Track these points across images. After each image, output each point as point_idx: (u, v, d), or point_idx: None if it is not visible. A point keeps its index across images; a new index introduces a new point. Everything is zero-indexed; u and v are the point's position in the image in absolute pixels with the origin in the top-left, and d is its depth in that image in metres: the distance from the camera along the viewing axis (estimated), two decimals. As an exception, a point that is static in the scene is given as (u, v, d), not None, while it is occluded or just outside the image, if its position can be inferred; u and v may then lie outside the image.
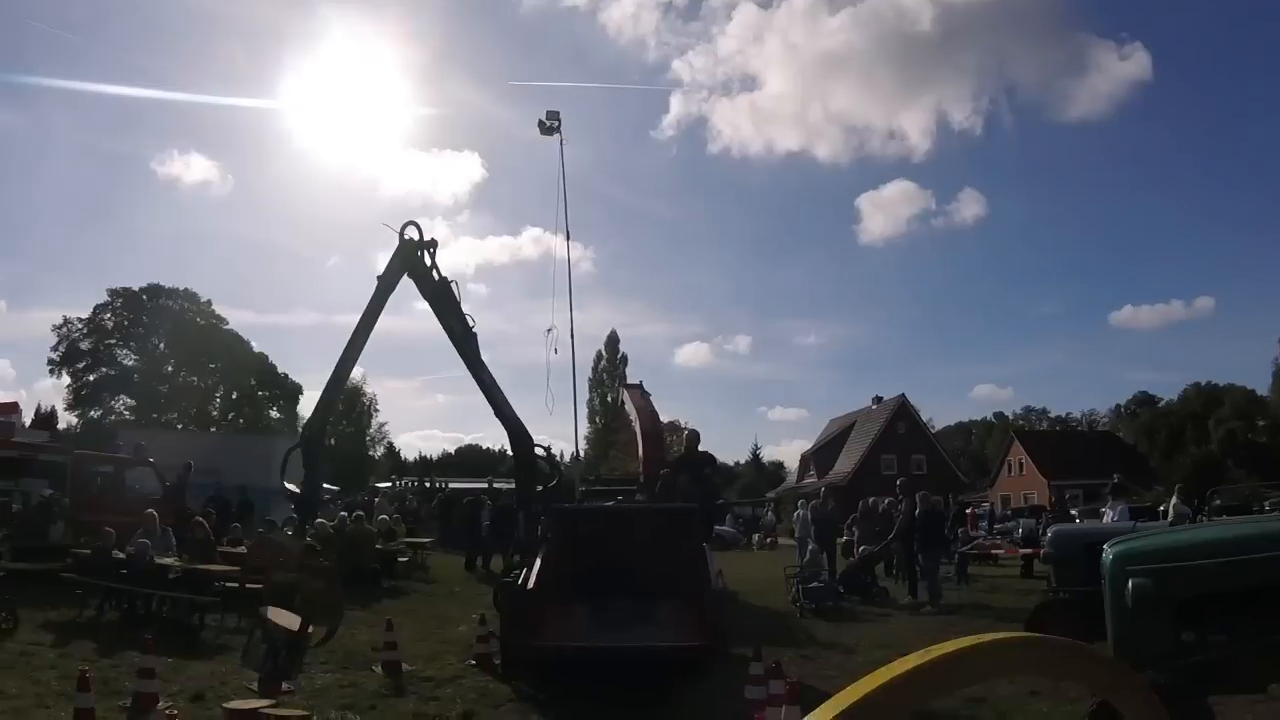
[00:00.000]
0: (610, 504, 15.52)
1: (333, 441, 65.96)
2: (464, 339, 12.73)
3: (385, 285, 11.48)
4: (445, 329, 12.61)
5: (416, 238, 12.01)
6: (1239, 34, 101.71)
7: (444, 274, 12.53)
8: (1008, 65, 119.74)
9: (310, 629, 9.62)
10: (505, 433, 13.46)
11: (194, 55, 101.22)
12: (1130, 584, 6.11)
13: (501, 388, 13.06)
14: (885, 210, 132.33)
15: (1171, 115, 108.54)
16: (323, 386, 10.11)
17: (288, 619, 9.33)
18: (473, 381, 12.85)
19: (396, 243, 11.93)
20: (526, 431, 13.41)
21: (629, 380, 30.27)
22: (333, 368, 11.72)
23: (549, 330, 16.68)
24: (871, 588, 17.81)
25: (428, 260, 12.17)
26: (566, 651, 9.92)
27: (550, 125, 28.93)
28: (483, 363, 13.02)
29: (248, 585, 14.19)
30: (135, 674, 9.08)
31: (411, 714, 8.86)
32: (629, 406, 20.81)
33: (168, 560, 14.68)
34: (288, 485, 11.44)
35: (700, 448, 17.47)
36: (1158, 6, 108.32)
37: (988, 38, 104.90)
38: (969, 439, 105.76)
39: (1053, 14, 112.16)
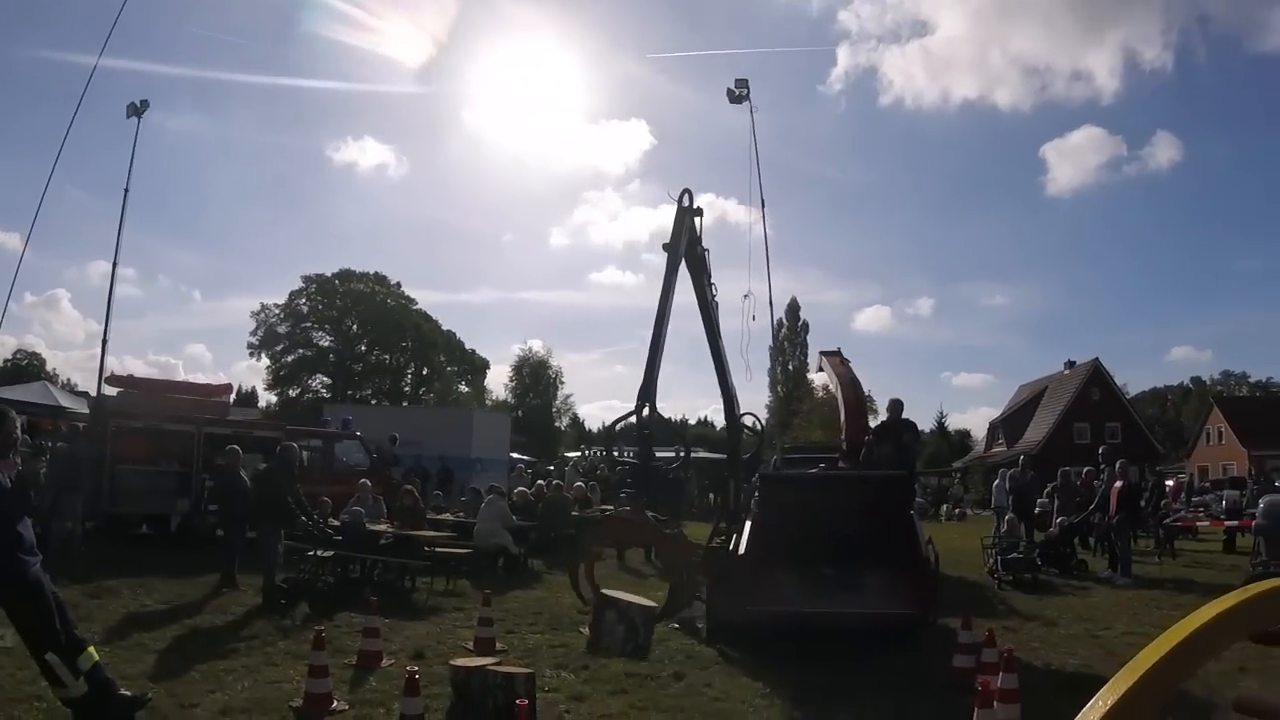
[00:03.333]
0: (818, 471, 15.29)
1: (520, 414, 67.80)
2: (713, 307, 12.94)
3: (674, 252, 11.59)
4: (698, 296, 12.85)
5: (689, 205, 12.11)
6: None
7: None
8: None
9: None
10: (722, 402, 14.12)
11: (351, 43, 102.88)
12: None
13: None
14: (1073, 159, 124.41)
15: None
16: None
17: (638, 597, 9.54)
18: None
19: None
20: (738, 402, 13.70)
21: (817, 347, 29.75)
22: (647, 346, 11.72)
23: (745, 296, 16.61)
24: (1070, 560, 17.48)
25: (698, 226, 12.33)
26: (777, 617, 9.88)
27: (739, 93, 28.70)
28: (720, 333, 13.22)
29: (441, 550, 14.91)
30: (359, 633, 9.45)
31: (623, 674, 8.88)
32: (829, 374, 20.31)
33: (380, 527, 15.26)
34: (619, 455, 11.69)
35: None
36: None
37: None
38: (1165, 406, 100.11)
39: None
